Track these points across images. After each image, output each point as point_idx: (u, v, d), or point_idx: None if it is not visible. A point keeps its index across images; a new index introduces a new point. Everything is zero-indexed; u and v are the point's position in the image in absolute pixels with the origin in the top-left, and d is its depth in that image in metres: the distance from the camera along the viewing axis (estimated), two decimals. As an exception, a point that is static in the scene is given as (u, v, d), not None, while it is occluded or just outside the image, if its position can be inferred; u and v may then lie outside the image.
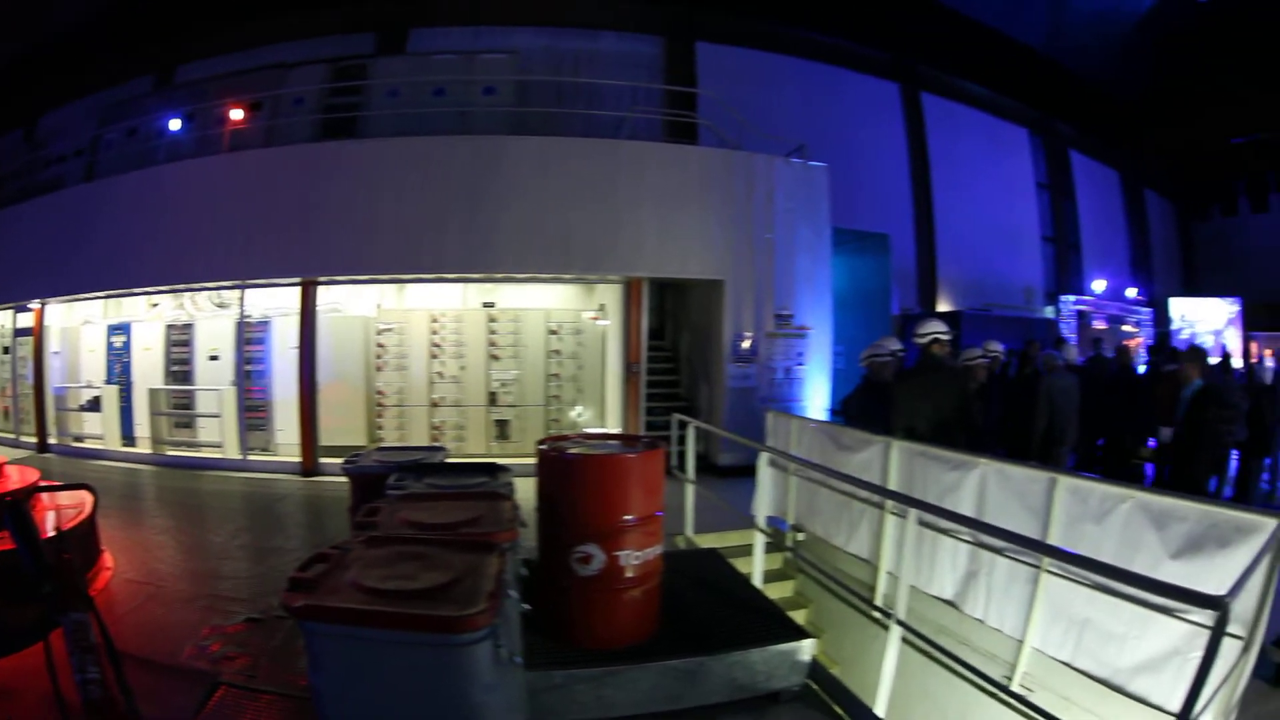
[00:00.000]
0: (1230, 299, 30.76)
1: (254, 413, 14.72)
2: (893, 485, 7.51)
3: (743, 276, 14.88)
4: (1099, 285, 28.52)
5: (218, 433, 14.72)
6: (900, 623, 5.48)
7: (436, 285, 15.25)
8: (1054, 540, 5.75)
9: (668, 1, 21.11)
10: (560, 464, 5.10)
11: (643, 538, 5.03)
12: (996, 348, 11.61)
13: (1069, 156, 32.92)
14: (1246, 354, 18.16)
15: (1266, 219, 39.97)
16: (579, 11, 20.25)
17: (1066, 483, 5.80)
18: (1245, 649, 4.24)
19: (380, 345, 15.03)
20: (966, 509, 6.59)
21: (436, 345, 15.07)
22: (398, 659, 3.04)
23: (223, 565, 8.29)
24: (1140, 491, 5.34)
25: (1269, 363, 15.45)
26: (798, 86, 22.54)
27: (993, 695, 5.56)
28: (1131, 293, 31.17)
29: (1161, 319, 31.13)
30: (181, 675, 5.36)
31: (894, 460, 7.63)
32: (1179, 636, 4.70)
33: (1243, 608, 4.20)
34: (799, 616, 8.60)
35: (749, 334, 14.84)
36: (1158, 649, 4.92)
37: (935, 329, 8.63)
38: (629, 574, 4.99)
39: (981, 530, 6.01)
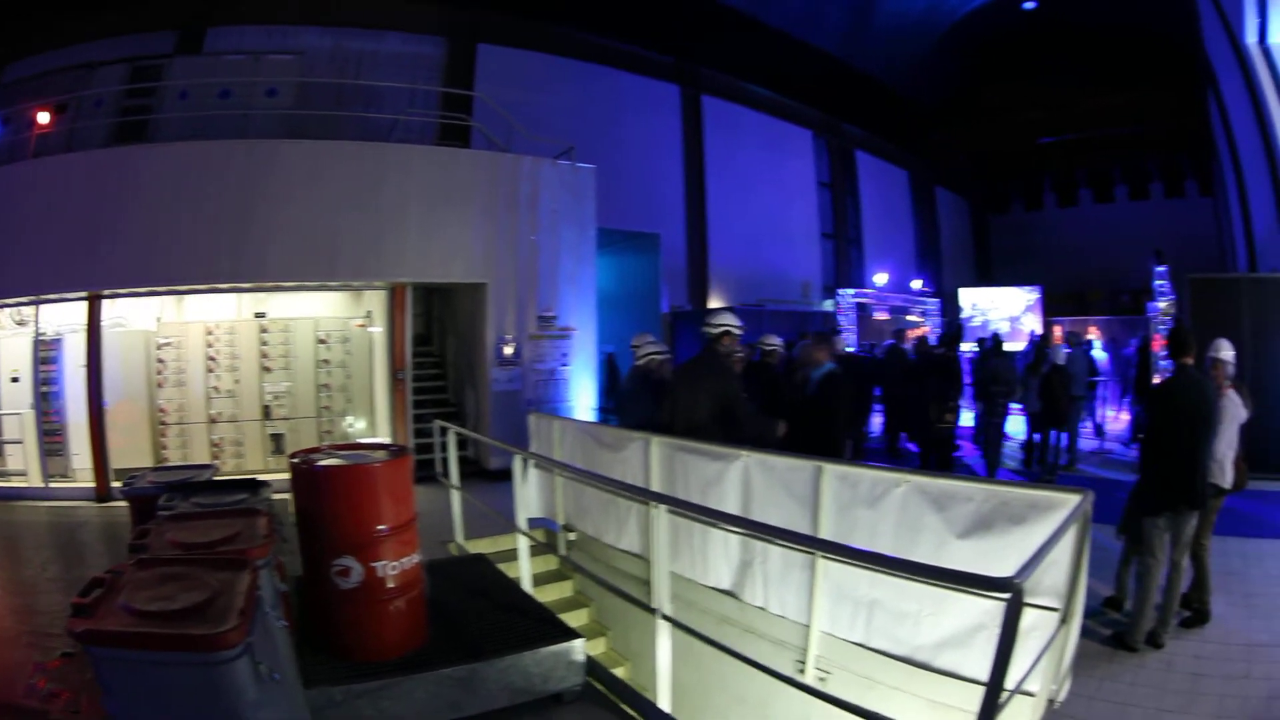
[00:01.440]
0: (1030, 288, 32.66)
1: (52, 437, 14.08)
2: (655, 480, 7.81)
3: (506, 279, 15.19)
4: (880, 278, 29.72)
5: (21, 460, 14.07)
6: (665, 617, 5.49)
7: (211, 296, 14.93)
8: (826, 526, 6.08)
9: (452, 3, 21.00)
10: (311, 477, 5.13)
11: (398, 547, 5.08)
12: (774, 342, 11.85)
13: (855, 157, 34.28)
14: (1040, 339, 19.72)
15: (1074, 212, 43.04)
16: (365, 11, 20.17)
17: (833, 470, 6.10)
18: (1064, 620, 4.51)
19: (161, 360, 14.59)
20: (732, 501, 6.93)
21: (212, 359, 14.81)
22: (169, 680, 3.08)
23: (39, 599, 8.31)
24: (915, 475, 5.70)
25: (1064, 347, 16.93)
26: (578, 89, 22.93)
27: (789, 682, 5.18)
28: (917, 284, 32.51)
29: (951, 309, 32.69)
30: (21, 716, 5.30)
31: (655, 456, 7.87)
32: (982, 612, 4.87)
33: (1053, 581, 4.57)
34: (582, 616, 9.13)
35: (511, 336, 15.04)
36: (961, 625, 5.17)
37: (727, 321, 8.76)
38: (390, 584, 5.03)
39: (730, 523, 6.44)
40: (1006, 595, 2.97)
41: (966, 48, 37.24)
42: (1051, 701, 4.79)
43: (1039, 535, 4.26)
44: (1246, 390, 8.04)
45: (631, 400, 10.17)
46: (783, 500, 6.49)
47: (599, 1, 23.51)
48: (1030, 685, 4.43)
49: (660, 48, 25.74)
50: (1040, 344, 17.72)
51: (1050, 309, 33.70)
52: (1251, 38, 14.48)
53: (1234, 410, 7.72)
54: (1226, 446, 7.69)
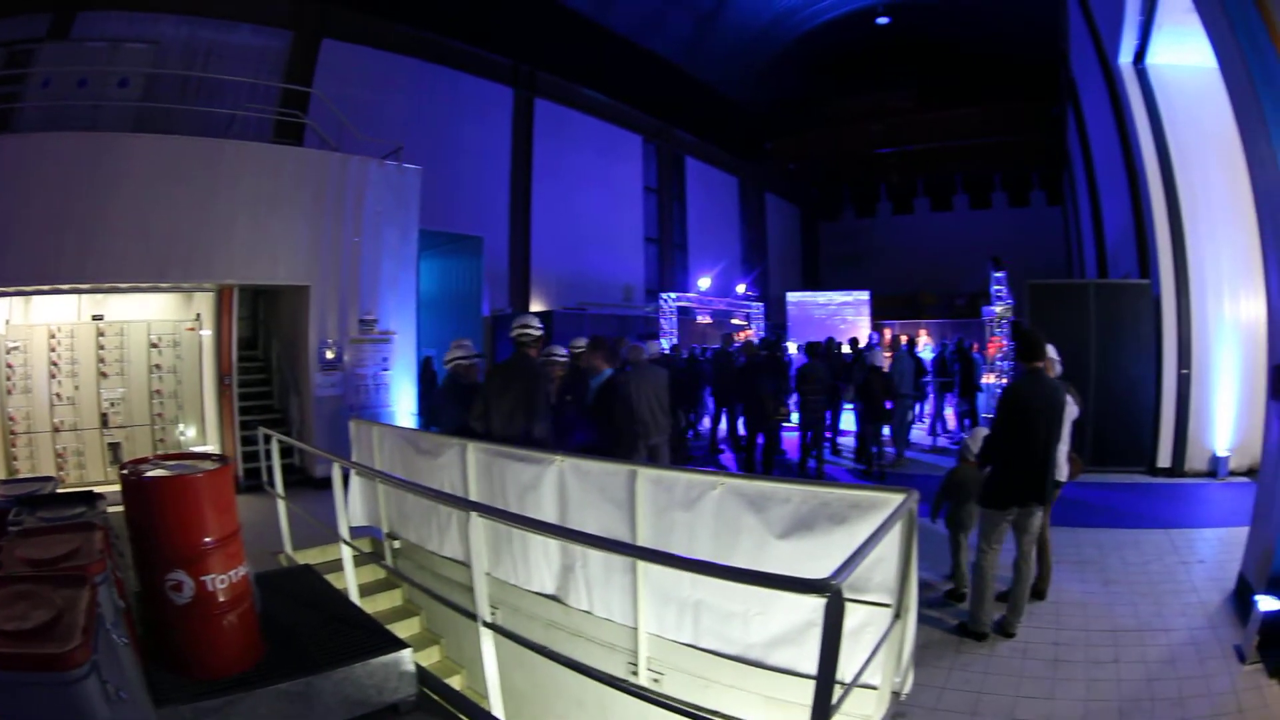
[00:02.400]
0: (860, 291, 33.19)
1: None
2: (473, 485, 8.03)
3: (329, 282, 15.24)
4: (704, 282, 29.99)
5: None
6: (488, 624, 5.49)
7: (55, 297, 14.35)
8: (644, 529, 6.32)
9: None
10: (139, 489, 4.97)
11: (226, 559, 5.03)
12: (582, 344, 11.92)
13: (685, 163, 34.98)
14: (852, 342, 20.70)
15: (910, 220, 44.88)
16: (219, 1, 19.71)
17: (647, 474, 6.34)
18: (898, 615, 4.65)
19: (9, 366, 14.10)
20: (549, 505, 7.12)
21: (54, 364, 14.36)
22: (28, 700, 3.01)
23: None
24: (731, 478, 5.89)
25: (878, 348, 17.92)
26: (416, 89, 23.10)
27: (623, 686, 5.26)
28: (741, 288, 32.96)
29: (778, 312, 33.36)
30: None
31: (472, 461, 8.07)
32: (811, 610, 4.97)
33: (884, 578, 4.82)
34: (414, 625, 9.22)
35: (334, 341, 15.10)
36: (790, 623, 5.37)
37: (528, 324, 9.14)
38: (221, 598, 4.98)
39: (546, 531, 6.49)
40: (825, 596, 3.15)
41: (810, 59, 38.17)
42: (896, 694, 4.97)
43: (862, 534, 4.16)
44: (1075, 389, 8.67)
45: (444, 406, 10.45)
46: (599, 504, 6.70)
47: (443, 1, 23.53)
48: (871, 679, 4.65)
49: (500, 49, 25.96)
50: (853, 346, 18.75)
51: (881, 312, 34.92)
52: (1126, 58, 15.33)
53: (1069, 409, 8.28)
54: (1061, 443, 8.20)
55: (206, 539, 4.95)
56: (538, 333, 9.21)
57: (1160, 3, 12.85)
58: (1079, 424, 8.68)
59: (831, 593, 3.15)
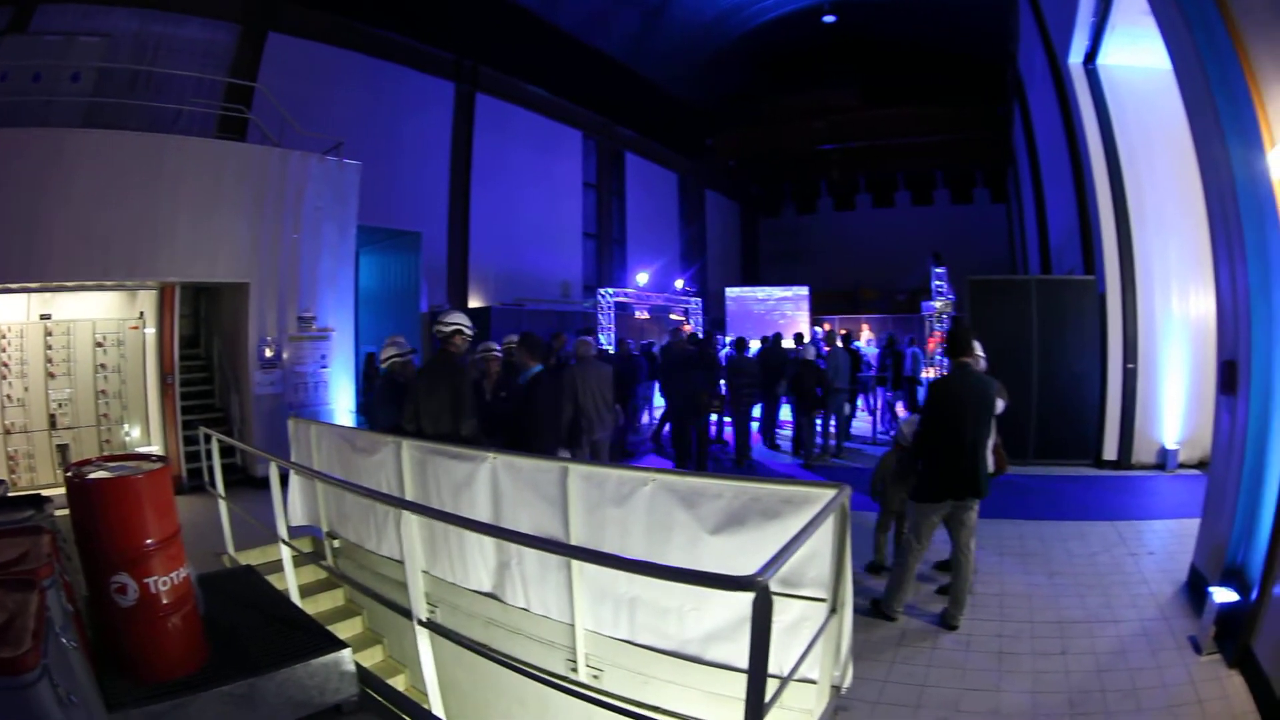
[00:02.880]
0: (799, 287, 33.78)
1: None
2: (409, 484, 7.95)
3: (268, 279, 15.19)
4: (642, 278, 30.34)
5: None
6: (423, 623, 5.69)
7: (4, 296, 14.01)
8: (576, 525, 6.26)
9: None
10: (83, 491, 4.90)
11: (167, 561, 4.99)
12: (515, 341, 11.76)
13: (625, 158, 35.00)
14: (799, 337, 20.92)
15: (851, 216, 45.19)
16: None
17: (579, 470, 6.26)
18: (833, 610, 4.67)
19: None
20: (483, 502, 7.02)
21: (5, 365, 14.14)
22: None
23: None
24: (661, 474, 5.84)
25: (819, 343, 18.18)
26: (359, 83, 22.91)
27: (558, 684, 5.41)
28: (679, 284, 33.32)
29: (716, 307, 34.01)
30: None
31: (406, 459, 7.98)
32: (744, 606, 4.62)
33: (818, 573, 4.84)
34: (356, 625, 9.15)
35: (273, 338, 15.05)
36: (726, 618, 5.36)
37: (457, 321, 9.13)
38: (164, 600, 4.94)
39: (480, 530, 6.55)
40: (752, 593, 3.17)
41: (754, 56, 38.35)
42: (837, 688, 4.99)
43: (795, 529, 4.10)
44: (1001, 385, 8.71)
45: (380, 406, 10.40)
46: (533, 501, 6.65)
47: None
48: (810, 673, 4.75)
49: (444, 44, 25.87)
50: (797, 341, 18.95)
51: (821, 307, 35.57)
52: (1076, 58, 15.48)
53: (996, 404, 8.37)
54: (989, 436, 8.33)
55: (148, 540, 4.90)
56: (451, 328, 9.14)
57: (1115, 4, 12.97)
58: (1002, 419, 8.78)
59: (758, 589, 3.19)
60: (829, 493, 4.68)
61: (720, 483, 5.49)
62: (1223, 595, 6.88)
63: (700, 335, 21.29)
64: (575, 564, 6.17)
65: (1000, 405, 8.58)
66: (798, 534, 3.85)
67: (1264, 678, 6.01)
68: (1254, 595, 6.45)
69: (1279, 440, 6.31)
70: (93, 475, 5.01)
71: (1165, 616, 7.99)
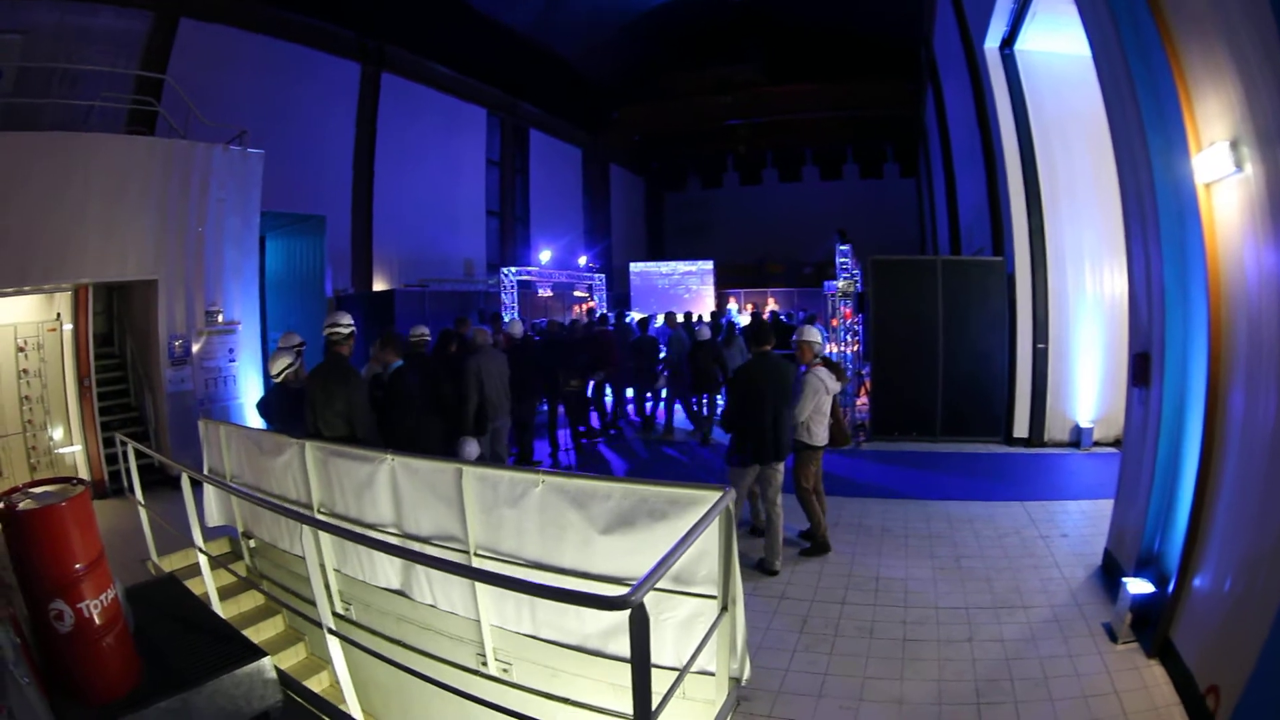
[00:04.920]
0: (704, 261, 34.17)
1: None
2: (314, 484, 8.12)
3: (175, 274, 14.82)
4: (545, 255, 30.36)
5: None
6: (331, 631, 5.92)
7: None
8: (474, 525, 6.48)
9: None
10: (13, 522, 4.71)
11: (96, 584, 4.86)
12: (422, 332, 12.27)
13: (529, 135, 34.93)
14: (715, 315, 21.30)
15: (757, 190, 45.65)
16: None
17: (473, 472, 6.47)
18: (725, 607, 4.94)
19: None
20: (384, 502, 7.26)
21: None
22: None
23: None
24: (550, 475, 6.06)
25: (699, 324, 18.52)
26: (265, 67, 22.62)
27: (476, 674, 6.01)
28: (583, 260, 33.45)
29: (621, 283, 34.46)
30: None
31: (310, 461, 8.13)
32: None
33: (708, 571, 5.07)
34: (278, 624, 9.17)
35: (182, 334, 14.93)
36: (619, 618, 5.35)
37: (336, 323, 9.25)
38: (97, 622, 4.81)
39: (382, 547, 6.67)
40: (627, 612, 3.37)
41: (662, 31, 38.20)
42: (737, 680, 5.32)
43: (682, 529, 4.48)
44: (838, 367, 10.14)
45: (277, 415, 10.41)
46: (431, 502, 6.84)
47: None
48: (707, 666, 5.03)
49: (349, 23, 25.60)
50: (713, 319, 19.31)
51: (726, 281, 35.98)
52: (993, 43, 15.67)
53: (818, 384, 9.69)
54: (816, 413, 9.85)
55: (77, 565, 4.79)
56: (345, 331, 9.27)
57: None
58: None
59: (633, 608, 3.36)
60: (713, 495, 4.96)
61: (609, 484, 5.75)
62: (1137, 586, 7.06)
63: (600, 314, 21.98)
64: (475, 561, 6.42)
65: (833, 386, 10.05)
66: (676, 544, 4.05)
67: (1186, 670, 6.17)
68: (1171, 587, 6.64)
69: (1194, 433, 6.49)
70: (21, 506, 4.84)
71: (1078, 602, 8.09)
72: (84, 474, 14.20)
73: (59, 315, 14.66)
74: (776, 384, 9.37)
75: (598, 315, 22.73)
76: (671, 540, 4.27)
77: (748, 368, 9.83)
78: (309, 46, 24.30)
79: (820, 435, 9.98)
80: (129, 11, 19.03)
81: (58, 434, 14.56)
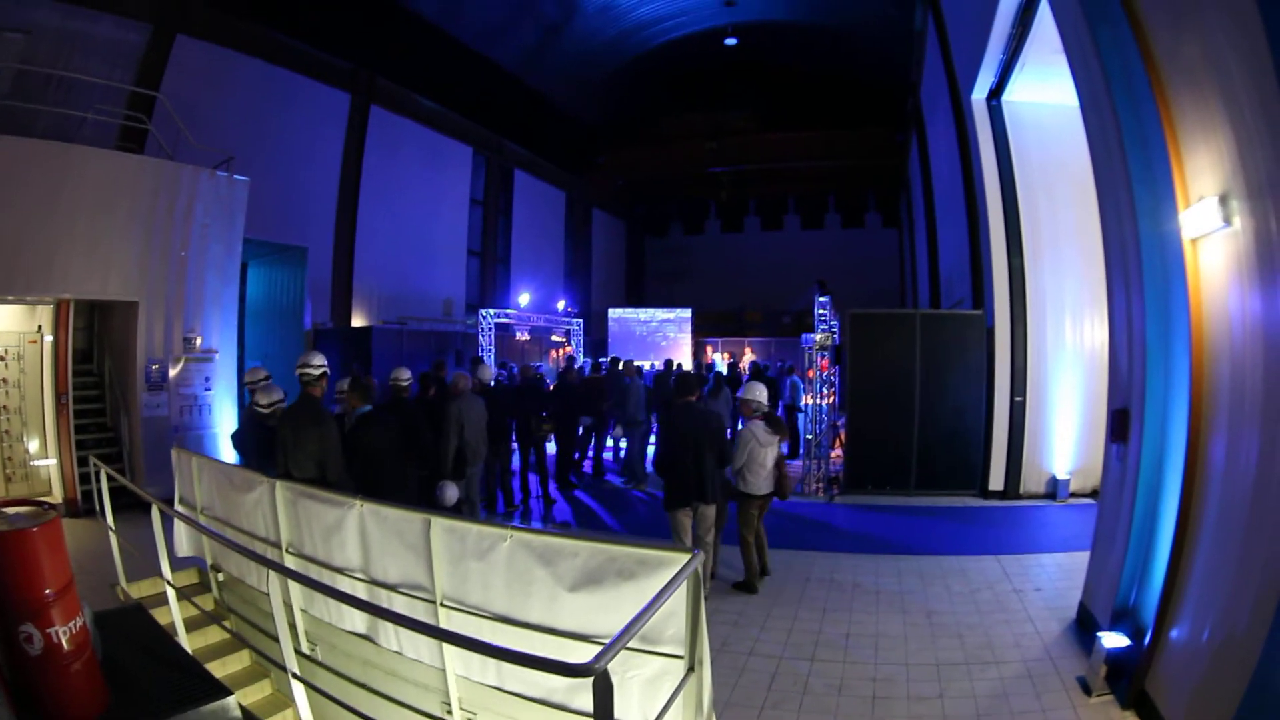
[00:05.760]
0: (682, 310, 34.27)
1: None
2: (283, 524, 7.92)
3: (156, 297, 14.84)
4: (524, 298, 30.12)
5: None
6: (295, 675, 5.84)
7: None
8: (441, 576, 6.25)
9: None
10: None
11: (65, 611, 4.65)
12: (404, 376, 12.06)
13: (513, 175, 34.94)
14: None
15: (738, 238, 45.76)
16: None
17: (441, 523, 6.22)
18: (692, 668, 4.74)
19: None
20: (353, 548, 6.99)
21: None
22: None
23: None
24: (518, 531, 5.81)
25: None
26: (257, 90, 22.58)
27: None
28: (561, 305, 33.48)
29: (599, 328, 34.39)
30: None
31: (280, 500, 7.92)
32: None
33: (676, 631, 4.83)
34: (243, 658, 8.89)
35: (160, 359, 14.88)
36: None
37: (322, 364, 9.29)
38: (66, 648, 4.60)
39: (349, 600, 6.19)
40: (590, 678, 3.27)
41: (651, 75, 38.42)
42: None
43: (651, 590, 4.50)
44: (778, 422, 10.80)
45: (252, 450, 10.44)
46: (399, 550, 6.68)
47: (289, 1, 23.13)
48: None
49: (342, 52, 25.63)
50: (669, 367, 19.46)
51: (705, 329, 36.41)
52: (980, 94, 15.75)
53: (749, 436, 10.52)
54: (751, 463, 10.50)
55: (47, 591, 4.67)
56: (317, 371, 9.25)
57: (1028, 43, 13.27)
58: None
59: (596, 675, 3.29)
60: (682, 557, 4.84)
61: (576, 542, 5.54)
62: (1112, 640, 7.04)
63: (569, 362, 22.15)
64: (442, 612, 6.23)
65: (770, 439, 10.63)
66: (642, 610, 3.96)
67: (1163, 721, 6.12)
68: (1148, 639, 6.64)
69: (1173, 487, 6.50)
70: None
71: (1052, 656, 8.04)
72: (57, 490, 14.21)
73: (40, 327, 14.64)
74: (700, 431, 10.05)
75: (591, 361, 22.81)
76: (639, 599, 4.33)
77: (674, 416, 10.60)
78: (301, 73, 24.25)
79: (755, 485, 10.61)
80: (128, 23, 18.94)
81: (33, 446, 14.53)
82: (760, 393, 10.86)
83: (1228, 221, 5.58)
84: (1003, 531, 13.30)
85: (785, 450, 13.52)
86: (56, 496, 14.08)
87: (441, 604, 6.28)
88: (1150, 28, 6.56)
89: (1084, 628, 8.52)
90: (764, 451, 10.54)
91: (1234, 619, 5.35)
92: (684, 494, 9.98)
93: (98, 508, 9.76)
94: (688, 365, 30.52)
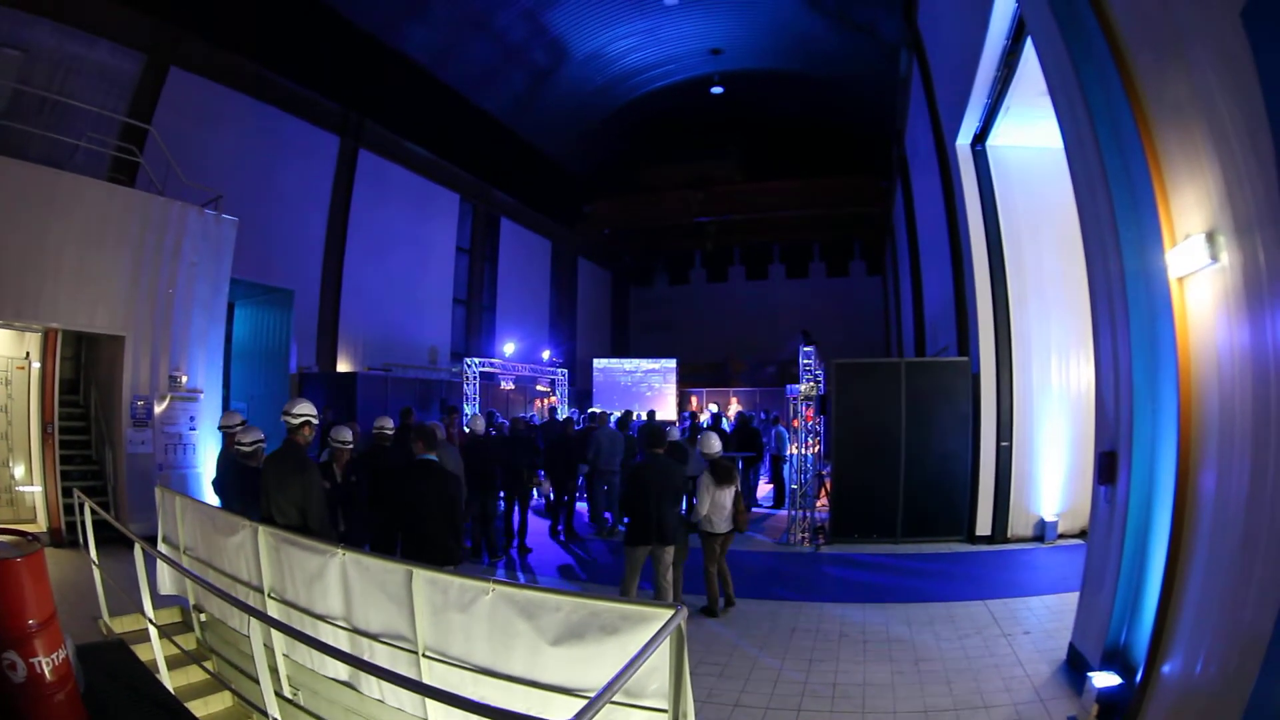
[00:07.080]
0: (667, 360, 34.56)
1: None
2: (265, 569, 7.93)
3: (143, 334, 14.84)
4: (509, 348, 30.16)
5: None
6: (273, 719, 5.89)
7: None
8: (423, 628, 6.29)
9: (157, 15, 19.51)
10: None
11: (49, 642, 4.98)
12: (388, 426, 12.30)
13: (500, 223, 35.00)
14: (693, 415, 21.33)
15: (723, 287, 45.60)
16: (85, 9, 18.22)
17: (423, 575, 6.29)
18: None
19: None
20: (334, 596, 7.10)
21: None
22: None
23: None
24: (500, 585, 5.87)
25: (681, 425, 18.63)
26: (247, 128, 22.56)
27: None
28: (546, 355, 33.42)
29: (584, 378, 34.43)
30: None
31: (263, 545, 7.94)
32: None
33: (659, 685, 4.73)
34: (225, 698, 8.78)
35: (145, 396, 14.81)
36: None
37: (305, 413, 9.05)
38: (49, 679, 4.92)
39: (331, 652, 6.09)
40: None
41: (637, 124, 38.56)
42: None
43: (634, 645, 4.46)
44: (726, 470, 11.64)
45: (234, 493, 10.57)
46: (381, 600, 6.71)
47: (281, 40, 23.11)
48: None
49: (333, 94, 25.70)
50: (692, 419, 19.39)
51: (689, 380, 36.48)
52: (964, 139, 15.79)
53: (703, 484, 11.54)
54: (719, 507, 11.47)
55: (30, 621, 4.90)
56: (296, 421, 9.03)
57: (1012, 86, 13.34)
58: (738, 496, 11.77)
59: None
60: (666, 613, 4.80)
61: (558, 597, 5.60)
62: (1103, 680, 6.99)
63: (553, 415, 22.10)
64: (424, 663, 6.25)
65: (726, 488, 11.54)
66: (624, 668, 3.90)
67: (1154, 760, 6.03)
68: (1139, 678, 6.57)
69: (1162, 525, 6.47)
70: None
71: (1042, 699, 7.92)
72: (42, 517, 14.09)
73: (28, 354, 14.60)
74: (662, 482, 10.84)
75: (577, 411, 22.80)
76: (622, 655, 4.39)
77: (639, 467, 11.28)
78: (291, 114, 24.27)
79: (717, 525, 11.58)
80: (124, 50, 18.92)
81: (19, 472, 14.42)
82: (713, 443, 11.95)
83: (1215, 258, 5.57)
84: (990, 576, 13.23)
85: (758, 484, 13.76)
86: (41, 524, 13.96)
87: (424, 655, 6.28)
88: (1135, 66, 6.56)
89: (1074, 668, 8.45)
90: (721, 494, 11.51)
91: (1226, 655, 5.31)
92: (644, 535, 10.72)
93: (81, 540, 9.66)
94: (671, 416, 30.56)
